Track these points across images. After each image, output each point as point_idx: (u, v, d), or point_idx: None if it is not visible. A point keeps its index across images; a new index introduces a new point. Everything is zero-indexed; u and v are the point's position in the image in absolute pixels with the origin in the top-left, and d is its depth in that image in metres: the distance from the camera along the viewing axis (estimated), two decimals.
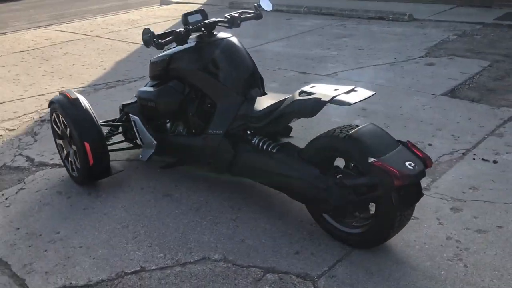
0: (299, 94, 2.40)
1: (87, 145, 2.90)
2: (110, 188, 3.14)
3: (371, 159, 2.13)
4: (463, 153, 3.33)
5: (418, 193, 2.24)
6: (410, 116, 3.98)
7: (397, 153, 2.19)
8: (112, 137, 3.43)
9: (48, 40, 7.93)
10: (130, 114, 3.18)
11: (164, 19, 9.18)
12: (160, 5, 11.71)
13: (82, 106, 2.98)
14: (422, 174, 2.16)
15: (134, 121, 3.14)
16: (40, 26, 9.40)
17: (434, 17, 7.53)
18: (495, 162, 3.17)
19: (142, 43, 2.67)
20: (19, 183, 3.31)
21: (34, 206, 3.01)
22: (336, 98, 2.24)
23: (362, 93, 2.29)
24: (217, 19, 2.93)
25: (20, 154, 3.75)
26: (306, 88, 2.42)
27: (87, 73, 5.91)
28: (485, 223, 2.57)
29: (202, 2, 10.77)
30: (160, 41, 2.66)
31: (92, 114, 2.99)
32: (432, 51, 5.77)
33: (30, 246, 2.63)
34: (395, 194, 2.16)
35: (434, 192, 2.88)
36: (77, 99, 3.00)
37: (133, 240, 2.62)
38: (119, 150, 3.38)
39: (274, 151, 2.60)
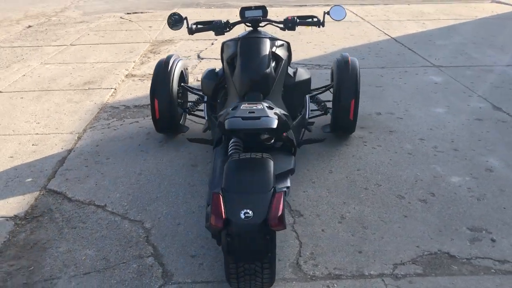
0: (233, 107, 2.31)
1: (156, 101, 3.48)
2: (173, 143, 3.67)
3: (217, 189, 1.98)
4: None
5: (257, 254, 1.92)
6: None
7: (250, 197, 1.94)
8: (200, 104, 3.87)
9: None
10: None
11: (455, 17, 8.38)
12: (491, 2, 10.67)
13: (166, 69, 3.53)
14: (249, 229, 1.87)
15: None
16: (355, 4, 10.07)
17: None
18: None
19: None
20: (140, 118, 4.20)
21: (123, 135, 3.85)
22: (230, 119, 2.10)
23: (260, 124, 2.06)
24: (266, 19, 2.94)
25: None
26: (244, 103, 2.29)
27: (314, 53, 6.29)
28: None
29: None
30: (192, 26, 2.91)
31: (171, 78, 3.50)
32: None
33: (85, 160, 3.49)
34: (223, 237, 1.94)
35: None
36: (167, 63, 3.57)
37: (130, 186, 3.12)
38: (194, 115, 3.80)
39: (227, 154, 2.56)
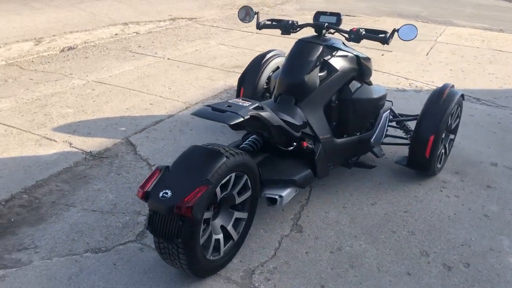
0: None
1: (242, 90, 3.66)
2: None
3: (162, 166, 2.08)
4: None
5: (167, 234, 1.96)
6: None
7: (179, 180, 1.98)
8: None
9: None
10: None
11: None
12: None
13: (260, 62, 3.65)
14: (159, 208, 1.94)
15: None
16: None
17: None
18: None
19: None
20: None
21: None
22: (201, 107, 2.17)
23: (219, 117, 2.07)
24: (333, 26, 2.81)
25: None
26: (238, 99, 2.32)
27: (485, 85, 5.57)
28: None
29: None
30: (262, 22, 2.97)
31: (262, 71, 3.61)
32: None
33: (174, 126, 3.90)
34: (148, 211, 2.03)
35: None
36: (263, 56, 3.69)
37: (168, 155, 3.39)
38: None
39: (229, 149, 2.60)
